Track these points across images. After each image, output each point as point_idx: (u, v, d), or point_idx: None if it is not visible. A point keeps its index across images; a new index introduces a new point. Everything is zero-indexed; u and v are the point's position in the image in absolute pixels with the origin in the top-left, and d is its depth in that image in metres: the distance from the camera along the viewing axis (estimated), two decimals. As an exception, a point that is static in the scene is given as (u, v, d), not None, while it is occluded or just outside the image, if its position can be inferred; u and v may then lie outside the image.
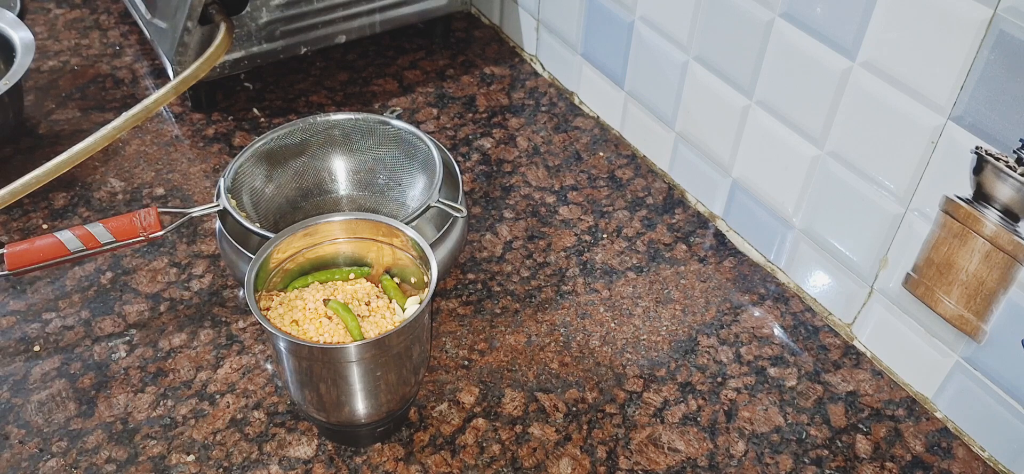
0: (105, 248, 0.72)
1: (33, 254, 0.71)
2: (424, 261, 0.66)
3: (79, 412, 0.69)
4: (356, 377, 0.61)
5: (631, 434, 0.70)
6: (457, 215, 0.74)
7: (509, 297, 0.81)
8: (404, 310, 0.68)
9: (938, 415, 0.73)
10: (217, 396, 0.71)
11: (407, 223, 0.71)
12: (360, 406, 0.63)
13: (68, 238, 0.70)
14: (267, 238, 0.68)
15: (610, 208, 0.91)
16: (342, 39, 1.03)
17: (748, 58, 0.78)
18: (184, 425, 0.69)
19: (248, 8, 0.93)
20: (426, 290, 0.64)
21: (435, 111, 1.03)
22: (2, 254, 0.71)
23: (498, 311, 0.79)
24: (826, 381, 0.75)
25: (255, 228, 0.72)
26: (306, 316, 0.65)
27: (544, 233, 0.88)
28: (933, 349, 0.72)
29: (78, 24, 1.14)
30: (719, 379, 0.75)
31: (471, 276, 0.83)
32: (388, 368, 0.62)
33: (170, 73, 0.95)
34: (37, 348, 0.74)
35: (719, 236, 0.89)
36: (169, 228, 0.73)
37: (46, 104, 1.00)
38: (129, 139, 0.96)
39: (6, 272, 0.71)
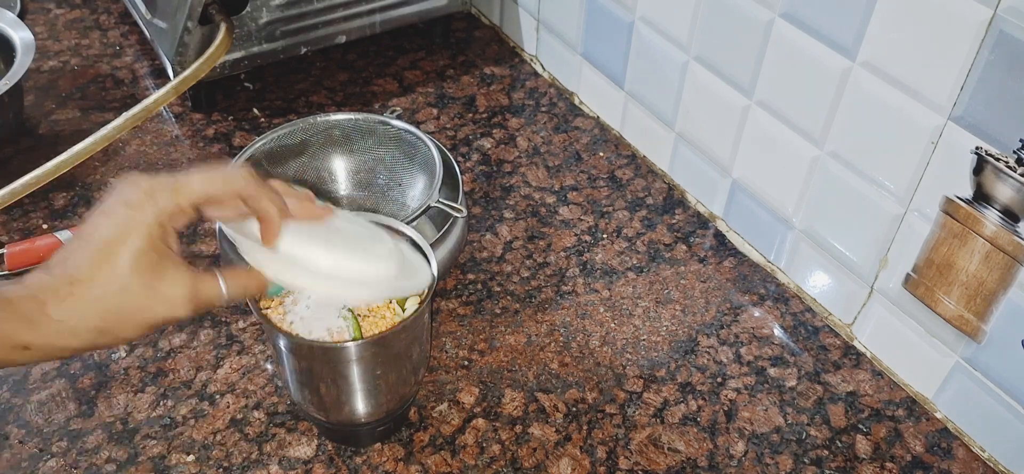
0: (105, 248, 0.72)
1: (33, 254, 0.71)
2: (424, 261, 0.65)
3: (79, 412, 0.69)
4: (356, 376, 0.61)
5: (631, 434, 0.70)
6: (457, 215, 0.74)
7: (509, 297, 0.81)
8: (404, 310, 0.68)
9: (938, 415, 0.73)
10: (217, 396, 0.71)
11: (407, 223, 0.70)
12: (360, 405, 0.63)
13: (68, 238, 0.70)
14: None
15: (610, 208, 0.91)
16: (342, 39, 1.03)
17: (748, 58, 0.78)
18: (184, 425, 0.69)
19: (248, 8, 0.93)
20: (426, 290, 0.64)
21: (435, 111, 1.03)
22: (2, 254, 0.71)
23: (498, 311, 0.79)
24: (826, 381, 0.75)
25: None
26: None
27: (544, 233, 0.88)
28: (933, 349, 0.72)
29: (78, 24, 1.14)
30: (719, 379, 0.75)
31: (471, 276, 0.83)
32: (388, 367, 0.62)
33: (170, 73, 0.95)
34: (37, 348, 0.74)
35: (719, 236, 0.89)
36: (169, 228, 0.72)
37: (46, 104, 1.00)
38: (129, 139, 0.96)
39: (6, 272, 0.71)
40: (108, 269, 0.46)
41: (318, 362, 0.61)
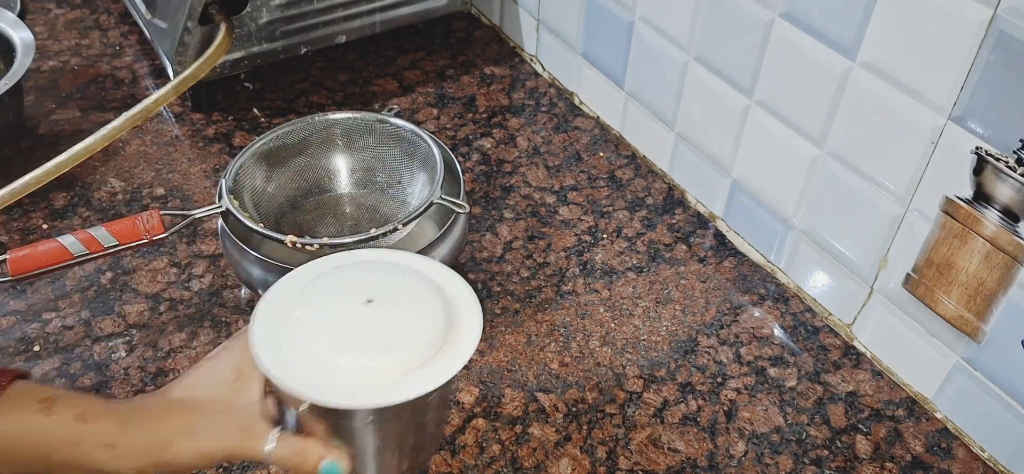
0: (108, 251, 0.72)
1: (36, 259, 0.71)
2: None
3: (80, 412, 0.69)
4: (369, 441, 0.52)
5: (631, 434, 0.70)
6: (460, 211, 0.73)
7: (509, 297, 0.81)
8: None
9: (938, 415, 0.73)
10: (217, 396, 0.71)
11: (409, 221, 0.71)
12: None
13: (70, 242, 0.70)
14: (271, 238, 0.69)
15: (610, 208, 0.91)
16: (342, 39, 1.03)
17: (748, 58, 0.78)
18: (185, 425, 0.69)
19: (248, 8, 0.93)
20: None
21: (435, 111, 1.03)
22: (5, 259, 0.70)
23: (498, 311, 0.79)
24: (826, 381, 0.75)
25: (259, 228, 0.72)
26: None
27: (544, 233, 0.88)
28: (933, 349, 0.72)
29: (78, 24, 1.14)
30: (719, 379, 0.75)
31: (471, 276, 0.83)
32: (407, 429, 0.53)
33: (170, 73, 0.95)
34: (37, 348, 0.74)
35: (719, 236, 0.89)
36: (172, 230, 0.72)
37: (46, 104, 1.00)
38: (129, 139, 0.96)
39: (9, 277, 0.70)
40: (194, 378, 0.53)
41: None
